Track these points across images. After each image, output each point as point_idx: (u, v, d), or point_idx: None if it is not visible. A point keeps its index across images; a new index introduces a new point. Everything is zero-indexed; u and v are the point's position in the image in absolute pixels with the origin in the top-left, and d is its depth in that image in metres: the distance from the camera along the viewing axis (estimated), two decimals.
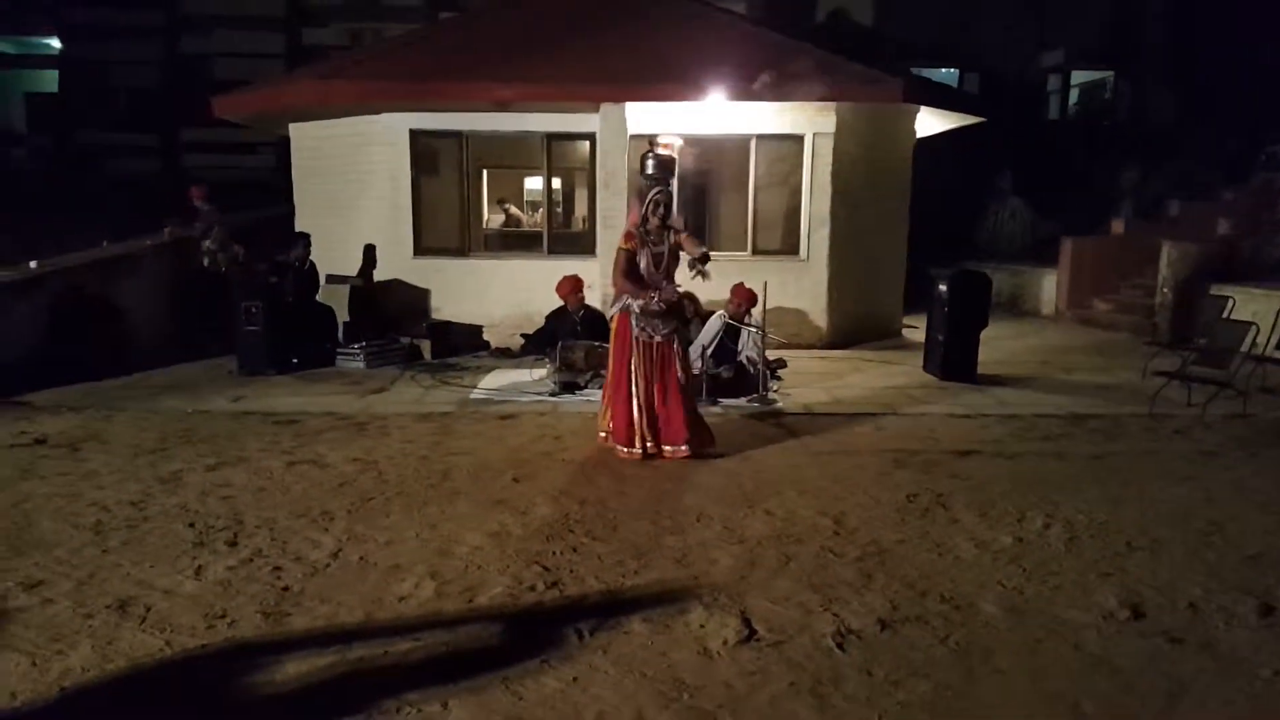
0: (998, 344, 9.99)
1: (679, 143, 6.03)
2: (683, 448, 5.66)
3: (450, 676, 3.04)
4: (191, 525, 4.46)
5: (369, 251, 10.14)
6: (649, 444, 5.65)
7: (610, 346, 5.81)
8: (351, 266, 10.17)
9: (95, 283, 9.08)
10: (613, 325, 5.78)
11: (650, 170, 5.76)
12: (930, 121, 11.86)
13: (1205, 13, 19.63)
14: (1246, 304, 8.87)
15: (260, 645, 3.25)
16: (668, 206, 5.56)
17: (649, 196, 5.51)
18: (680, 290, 5.81)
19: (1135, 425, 6.75)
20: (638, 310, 5.59)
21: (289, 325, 8.67)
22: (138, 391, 7.66)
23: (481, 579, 3.83)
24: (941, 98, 11.39)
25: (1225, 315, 8.17)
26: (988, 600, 3.68)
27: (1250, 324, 7.18)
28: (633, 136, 9.83)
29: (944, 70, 21.35)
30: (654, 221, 5.54)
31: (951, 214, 16.58)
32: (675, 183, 6.04)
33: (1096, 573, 3.97)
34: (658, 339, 5.65)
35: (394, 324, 9.59)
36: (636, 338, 5.62)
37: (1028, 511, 4.73)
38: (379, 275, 10.17)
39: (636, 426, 5.63)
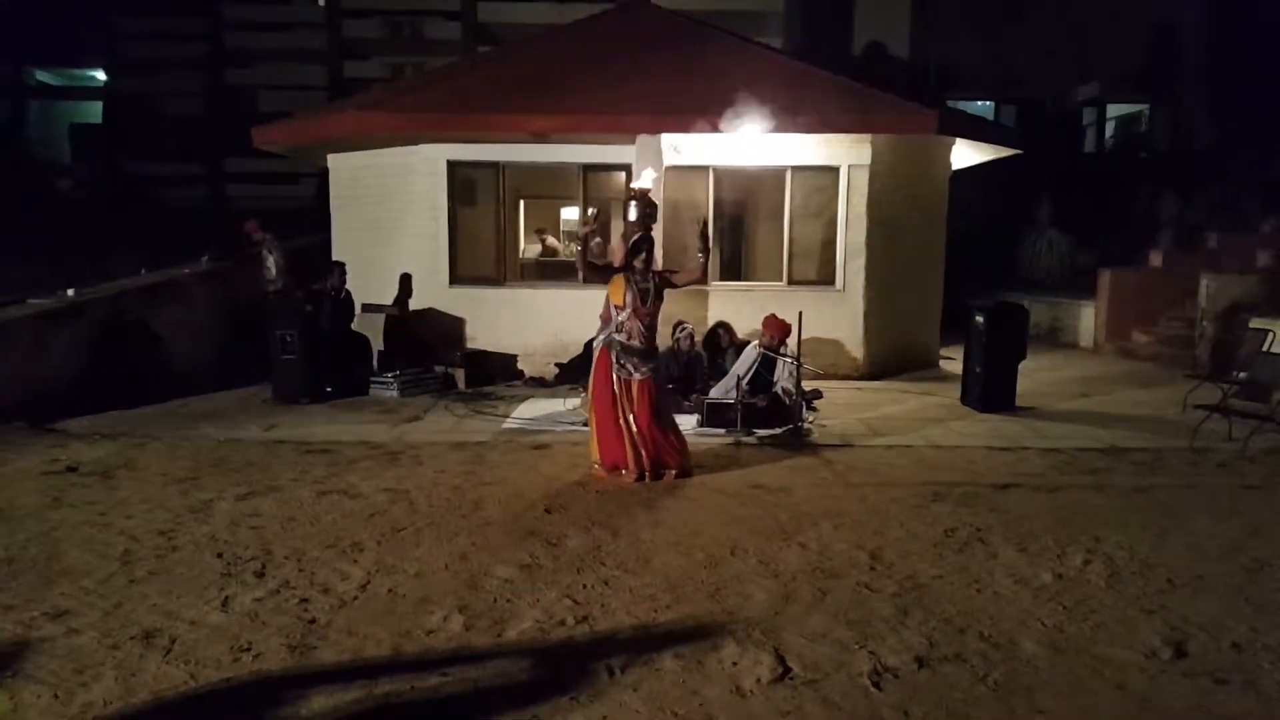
0: (1036, 375, 9.82)
1: (654, 176, 6.36)
2: (672, 471, 5.97)
3: (478, 712, 3.01)
4: (220, 555, 4.47)
5: (405, 280, 10.25)
6: (645, 468, 5.92)
7: (593, 376, 6.07)
8: (387, 295, 10.28)
9: (135, 310, 9.26)
10: (595, 356, 6.07)
11: (632, 216, 5.99)
12: (967, 153, 11.79)
13: (1244, 38, 19.41)
14: None
15: (285, 679, 3.23)
16: (649, 251, 5.97)
17: (630, 243, 5.95)
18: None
19: (1176, 459, 6.58)
20: (620, 344, 5.91)
21: (324, 354, 8.76)
22: (173, 419, 7.76)
23: (511, 612, 3.80)
24: (977, 129, 11.34)
25: (1266, 348, 7.96)
26: (1028, 638, 3.58)
27: None
28: (668, 167, 9.89)
29: (980, 102, 21.29)
30: (637, 265, 5.92)
31: (989, 245, 16.45)
32: (657, 224, 6.68)
33: (1139, 610, 3.85)
34: (637, 377, 5.92)
35: (429, 353, 9.65)
36: (616, 375, 5.92)
37: (1068, 547, 4.61)
38: (415, 304, 10.26)
39: (631, 448, 5.92)
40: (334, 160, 11.22)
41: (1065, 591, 4.06)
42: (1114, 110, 24.11)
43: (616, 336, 5.91)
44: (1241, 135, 18.31)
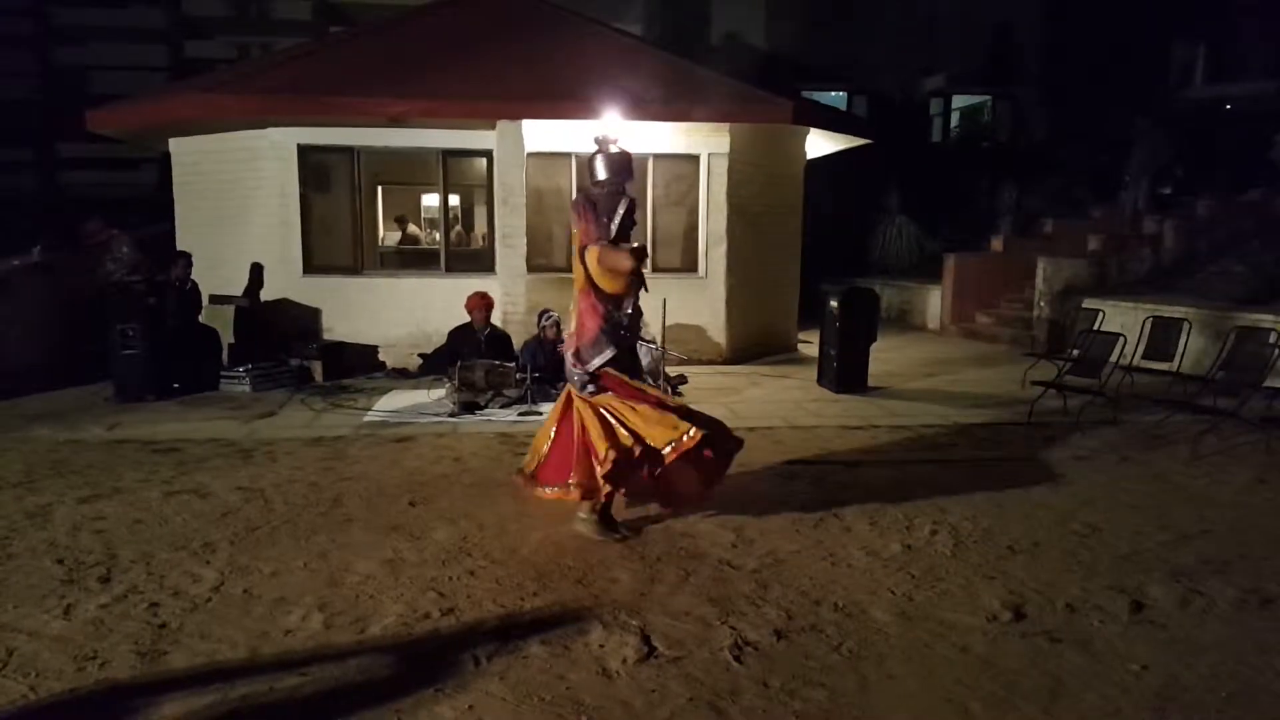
0: (887, 357, 10.33)
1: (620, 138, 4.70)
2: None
3: (339, 711, 2.93)
4: (60, 561, 4.18)
5: (255, 270, 9.76)
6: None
7: (607, 403, 4.55)
8: (237, 286, 9.77)
9: None
10: (586, 377, 4.54)
11: (602, 175, 4.56)
12: (821, 143, 12.24)
13: (1076, 37, 20.95)
14: (1115, 316, 9.45)
15: (135, 687, 3.07)
16: (631, 215, 4.58)
17: (620, 207, 4.52)
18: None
19: (1015, 433, 7.08)
20: (628, 348, 4.65)
21: (169, 348, 8.24)
22: (4, 419, 7.15)
23: (374, 608, 3.70)
24: (830, 119, 11.78)
25: (1096, 327, 8.67)
26: (879, 607, 3.77)
27: (1119, 335, 7.64)
28: (530, 154, 9.81)
29: (834, 93, 22.11)
30: (623, 234, 4.54)
31: (843, 233, 17.14)
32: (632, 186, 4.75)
33: (981, 576, 4.13)
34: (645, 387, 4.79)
35: (283, 346, 9.23)
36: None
37: (916, 519, 4.89)
38: (266, 295, 9.79)
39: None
40: (177, 145, 10.54)
41: (913, 561, 4.30)
42: (959, 101, 25.56)
43: (622, 333, 4.53)
44: (1073, 128, 19.80)
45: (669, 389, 7.73)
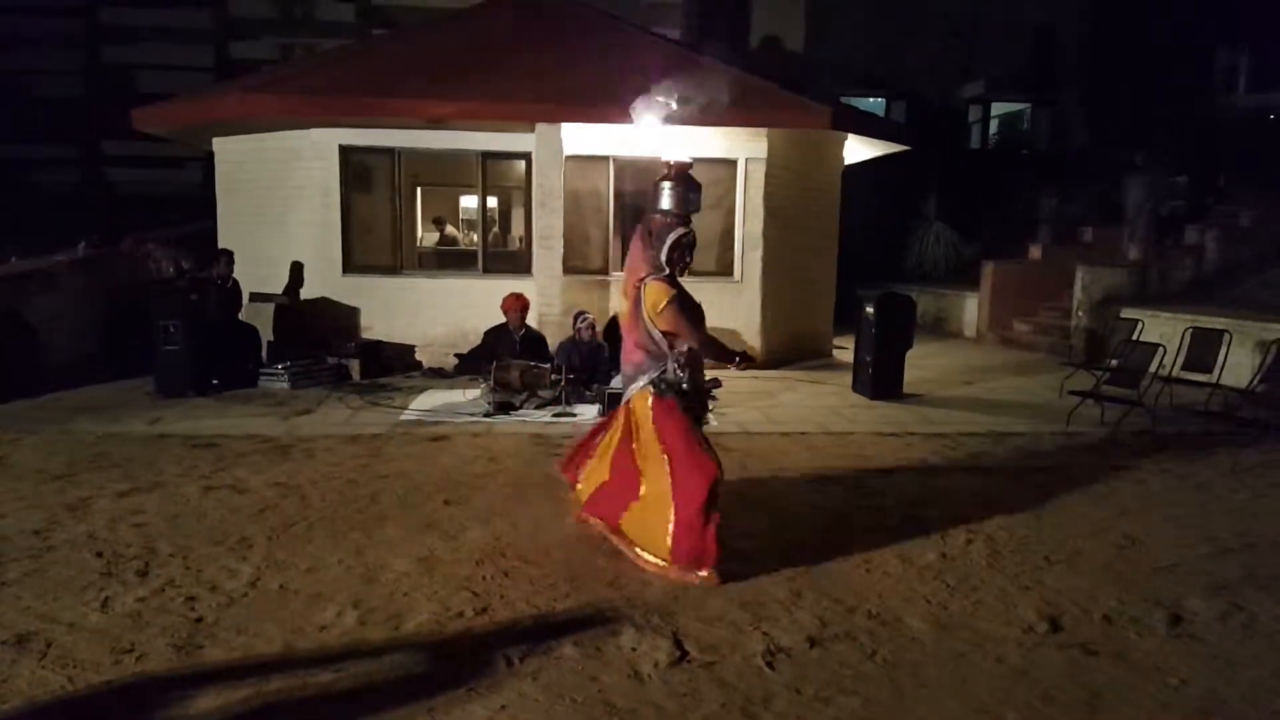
0: (923, 364, 10.23)
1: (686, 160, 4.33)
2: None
3: (373, 707, 2.96)
4: (99, 555, 4.26)
5: (296, 269, 9.91)
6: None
7: (635, 431, 4.26)
8: (277, 284, 9.92)
9: (5, 301, 8.66)
10: (644, 408, 4.18)
11: (666, 204, 4.21)
12: (859, 148, 12.16)
13: (1117, 46, 20.63)
14: (1154, 326, 9.29)
15: (170, 680, 3.12)
16: (692, 250, 4.26)
17: (669, 235, 4.15)
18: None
19: (1053, 442, 6.98)
20: (687, 386, 4.17)
21: (210, 345, 8.39)
22: (48, 413, 7.32)
23: (408, 606, 3.74)
24: (868, 125, 11.70)
25: (1134, 337, 8.52)
26: (914, 616, 3.74)
27: (1158, 345, 7.50)
28: (568, 157, 9.86)
29: (873, 99, 21.96)
30: (674, 268, 4.18)
31: (880, 238, 17.01)
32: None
33: (1017, 586, 4.08)
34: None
35: (322, 344, 9.36)
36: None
37: (951, 528, 4.83)
38: (306, 293, 9.94)
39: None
40: (220, 144, 10.74)
41: (948, 570, 4.26)
42: (998, 109, 25.26)
43: (676, 374, 4.13)
44: (1115, 136, 19.49)
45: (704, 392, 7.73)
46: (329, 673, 3.18)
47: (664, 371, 4.12)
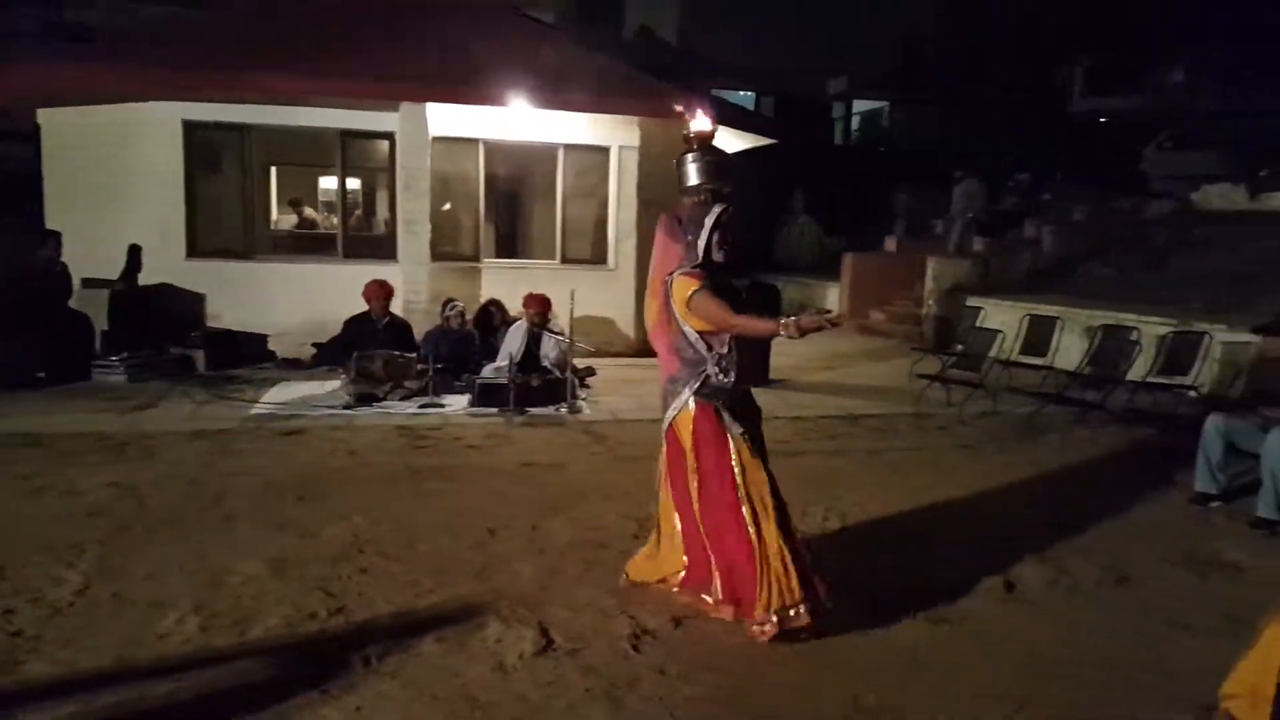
0: (788, 351, 10.51)
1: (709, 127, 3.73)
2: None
3: (217, 717, 2.79)
4: None
5: (134, 252, 9.20)
6: (817, 591, 3.48)
7: (693, 454, 3.55)
8: (113, 269, 9.19)
9: None
10: (687, 427, 3.54)
11: (694, 179, 3.63)
12: (731, 141, 12.36)
13: (973, 50, 21.88)
14: (996, 314, 9.92)
15: None
16: (738, 231, 3.57)
17: (708, 219, 3.51)
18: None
19: (904, 423, 7.34)
20: (725, 391, 3.55)
21: (35, 335, 7.69)
22: None
23: (256, 610, 3.54)
24: (737, 118, 11.93)
25: (978, 324, 9.07)
26: None
27: (998, 332, 8.02)
28: (435, 138, 9.59)
29: (743, 92, 22.44)
30: (717, 255, 3.52)
31: (749, 230, 17.44)
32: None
33: (869, 562, 4.25)
34: (749, 440, 3.58)
35: (164, 333, 8.75)
36: (734, 441, 3.52)
37: (810, 506, 4.98)
38: (146, 279, 9.25)
39: (791, 571, 3.42)
40: (47, 117, 9.85)
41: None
42: (859, 106, 26.34)
43: (719, 379, 3.53)
44: (967, 135, 20.69)
45: (576, 380, 7.71)
46: (168, 684, 2.97)
47: (705, 377, 3.52)
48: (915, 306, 12.97)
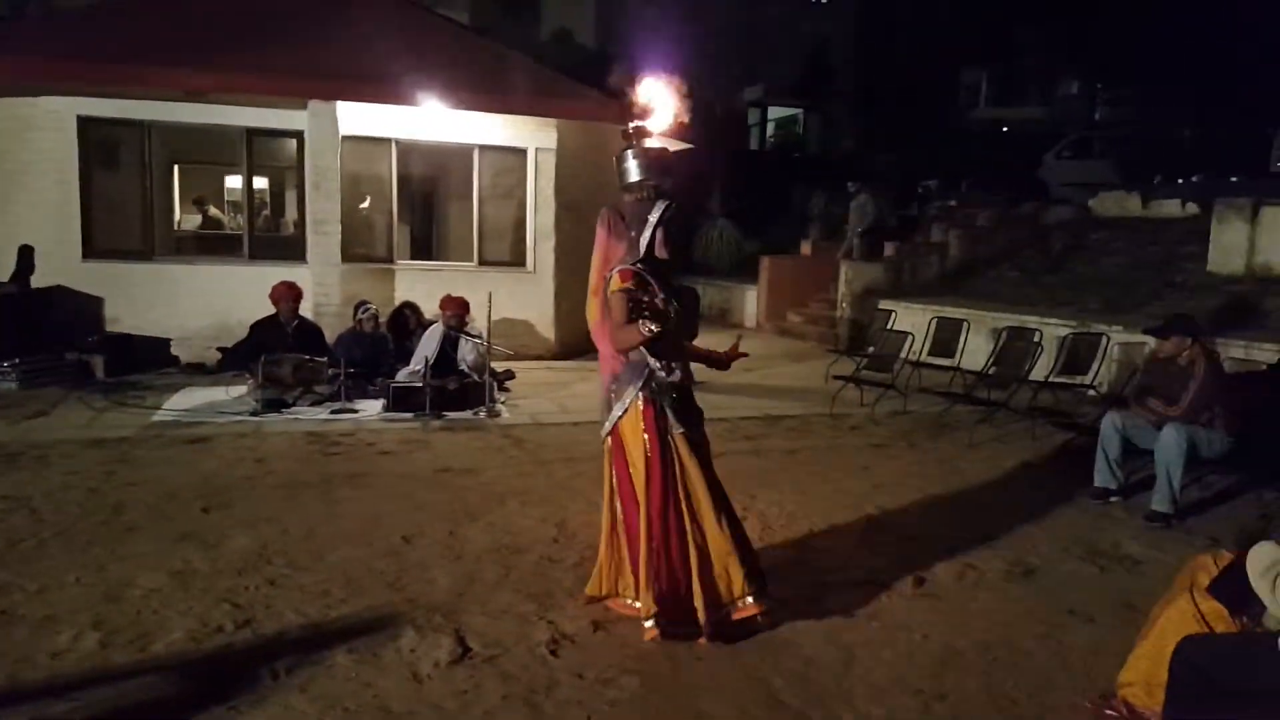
0: None
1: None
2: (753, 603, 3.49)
3: None
4: None
5: (25, 253, 8.72)
6: (744, 597, 3.47)
7: (628, 460, 3.52)
8: (3, 271, 8.70)
9: None
10: (634, 425, 3.48)
11: (635, 175, 3.56)
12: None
13: (884, 58, 22.57)
14: (907, 316, 10.22)
15: None
16: (680, 227, 3.59)
17: (652, 215, 3.47)
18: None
19: (820, 423, 7.51)
20: (669, 385, 3.51)
21: None
22: None
23: (158, 624, 3.41)
24: None
25: (889, 327, 9.34)
26: None
27: (908, 334, 8.26)
28: (346, 137, 9.38)
29: None
30: (661, 251, 3.51)
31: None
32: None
33: (786, 559, 4.33)
34: (692, 437, 3.59)
35: (59, 338, 8.32)
36: (675, 440, 3.50)
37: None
38: (39, 281, 8.78)
39: (736, 566, 3.47)
40: None
41: None
42: (774, 113, 26.84)
43: (661, 374, 3.47)
44: (880, 142, 21.31)
45: (495, 383, 7.64)
46: (64, 704, 2.84)
47: (650, 373, 3.45)
48: (830, 309, 13.26)
